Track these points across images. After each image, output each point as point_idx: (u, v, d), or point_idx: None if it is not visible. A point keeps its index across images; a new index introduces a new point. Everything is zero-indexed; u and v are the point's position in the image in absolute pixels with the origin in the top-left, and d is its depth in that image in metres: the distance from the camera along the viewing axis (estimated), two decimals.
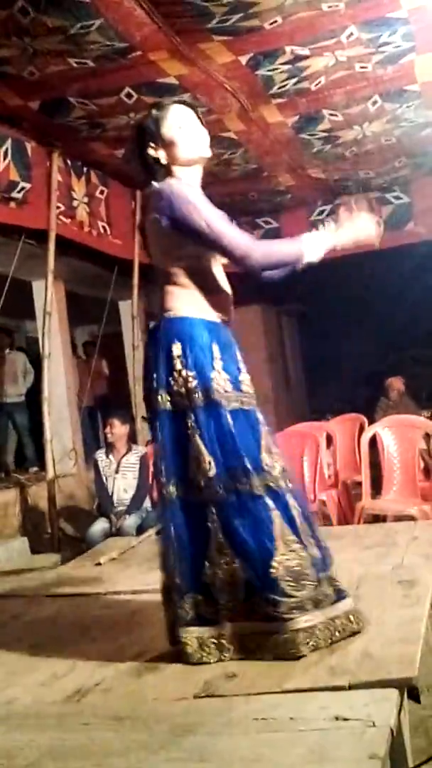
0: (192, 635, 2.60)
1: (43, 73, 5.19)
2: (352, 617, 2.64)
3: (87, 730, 2.22)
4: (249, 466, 2.57)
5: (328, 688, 2.27)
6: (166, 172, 2.72)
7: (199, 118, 2.78)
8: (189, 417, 2.59)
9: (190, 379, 2.59)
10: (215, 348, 2.65)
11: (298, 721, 2.09)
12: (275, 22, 4.85)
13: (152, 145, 2.71)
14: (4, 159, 5.89)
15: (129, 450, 6.14)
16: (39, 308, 7.80)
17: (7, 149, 5.90)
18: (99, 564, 4.44)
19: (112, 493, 6.02)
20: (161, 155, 2.71)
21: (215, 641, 2.60)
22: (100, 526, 5.86)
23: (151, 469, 5.58)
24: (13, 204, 6.09)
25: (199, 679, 2.47)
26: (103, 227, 7.44)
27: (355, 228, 2.84)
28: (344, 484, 6.67)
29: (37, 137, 6.26)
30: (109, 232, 7.51)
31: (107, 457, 6.13)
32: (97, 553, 4.80)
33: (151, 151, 2.71)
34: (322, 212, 9.05)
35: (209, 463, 2.57)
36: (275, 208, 9.12)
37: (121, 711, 2.33)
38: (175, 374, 2.60)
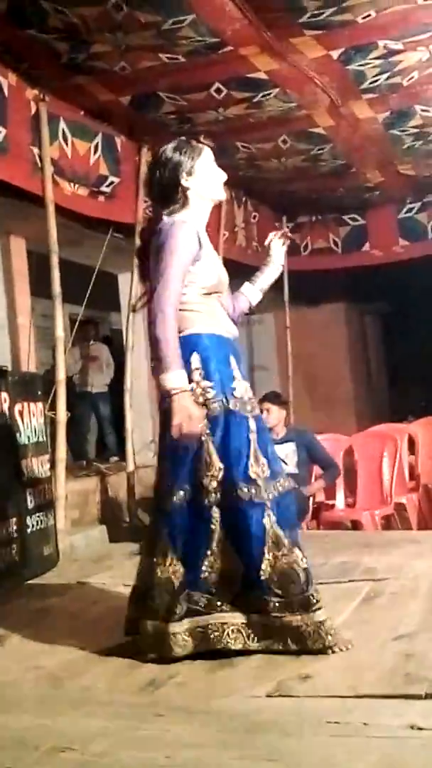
0: (184, 628, 2.71)
1: (134, 69, 5.24)
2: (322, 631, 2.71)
3: (160, 721, 2.24)
4: (250, 473, 2.76)
5: (403, 696, 2.23)
6: (184, 202, 2.90)
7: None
8: (205, 426, 2.74)
9: (209, 389, 2.78)
10: (232, 360, 2.88)
11: (372, 727, 2.06)
12: (368, 15, 4.77)
13: (186, 175, 2.89)
14: (95, 153, 5.98)
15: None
16: (124, 301, 7.90)
17: (97, 144, 5.99)
18: None
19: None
20: (190, 186, 2.90)
21: (202, 630, 2.72)
22: None
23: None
24: (102, 198, 6.18)
25: (273, 678, 2.46)
26: None
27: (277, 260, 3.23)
28: (425, 488, 6.55)
29: (127, 132, 6.33)
30: None
31: None
32: None
33: (183, 181, 2.88)
34: (410, 209, 8.89)
35: (219, 469, 2.75)
36: (362, 205, 8.99)
37: (194, 705, 2.34)
38: (194, 385, 2.76)
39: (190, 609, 2.73)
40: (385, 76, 5.63)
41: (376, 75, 5.61)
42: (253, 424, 2.84)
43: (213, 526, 2.75)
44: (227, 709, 2.30)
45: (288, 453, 5.93)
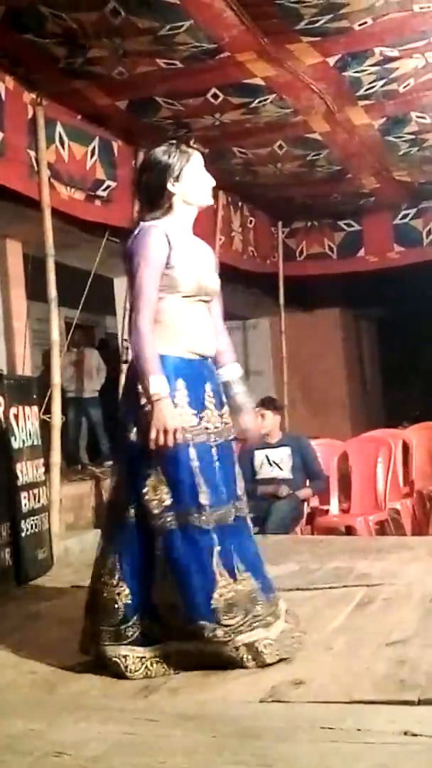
0: (136, 654, 2.67)
1: (131, 74, 5.25)
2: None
3: (154, 726, 2.24)
4: (201, 501, 2.67)
5: (397, 702, 2.24)
6: (169, 207, 2.87)
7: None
8: (152, 450, 2.66)
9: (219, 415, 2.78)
10: (180, 383, 2.74)
11: (366, 733, 2.06)
12: (365, 23, 4.79)
13: (173, 180, 2.84)
14: (92, 157, 5.99)
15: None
16: (119, 305, 7.91)
17: (94, 148, 6.00)
18: None
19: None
20: (176, 191, 2.85)
21: (158, 660, 2.67)
22: None
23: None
24: (98, 202, 6.19)
25: (267, 683, 2.46)
26: None
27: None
28: (420, 494, 6.56)
29: (124, 136, 6.34)
30: None
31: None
32: None
33: (170, 185, 2.84)
34: (406, 216, 8.92)
35: (167, 494, 2.68)
36: (357, 211, 9.02)
37: (187, 710, 2.34)
38: (140, 411, 2.70)
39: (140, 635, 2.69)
40: (381, 82, 5.65)
41: (373, 82, 5.64)
42: (213, 453, 2.76)
43: (157, 552, 2.70)
44: (221, 714, 2.30)
45: (283, 458, 5.94)
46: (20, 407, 4.54)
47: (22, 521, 4.41)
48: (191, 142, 2.97)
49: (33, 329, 7.25)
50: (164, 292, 2.79)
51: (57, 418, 5.42)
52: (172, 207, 2.87)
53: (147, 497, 2.69)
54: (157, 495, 2.68)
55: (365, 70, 5.45)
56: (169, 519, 2.67)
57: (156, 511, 2.68)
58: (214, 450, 2.77)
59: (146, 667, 2.66)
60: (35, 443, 4.70)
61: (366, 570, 3.95)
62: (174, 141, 2.97)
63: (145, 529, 2.71)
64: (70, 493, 6.31)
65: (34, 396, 4.88)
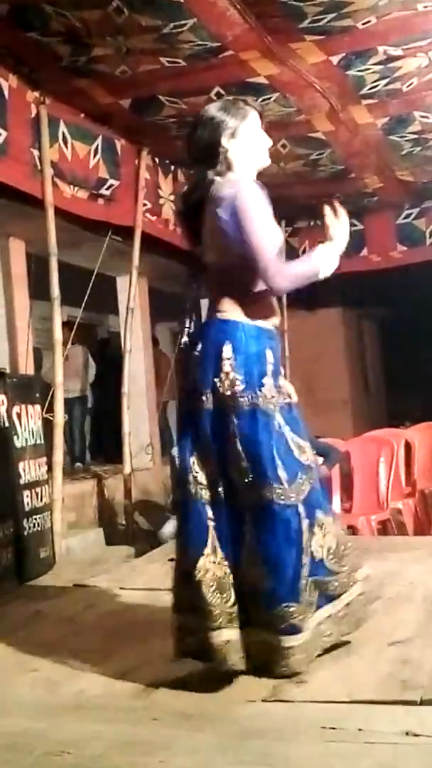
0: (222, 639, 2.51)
1: (134, 72, 5.25)
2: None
3: (155, 725, 2.24)
4: (281, 473, 2.52)
5: (399, 702, 2.24)
6: (227, 167, 2.69)
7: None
8: (231, 421, 2.54)
9: (237, 383, 2.56)
10: (268, 354, 2.63)
11: (367, 733, 2.06)
12: (369, 21, 4.79)
13: (228, 136, 2.67)
14: (95, 156, 5.99)
15: None
16: (122, 304, 7.91)
17: (97, 146, 6.00)
18: (172, 560, 4.47)
19: None
20: (232, 148, 2.68)
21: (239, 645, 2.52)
22: (171, 527, 5.89)
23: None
24: (101, 200, 6.19)
25: (268, 683, 2.46)
26: None
27: (342, 235, 2.75)
28: (422, 493, 6.55)
29: (127, 135, 6.34)
30: None
31: None
32: (170, 549, 4.83)
33: (224, 141, 2.66)
34: (409, 215, 8.90)
35: (246, 469, 2.53)
36: (360, 210, 8.98)
37: (189, 709, 2.34)
38: (222, 376, 2.56)
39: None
40: (384, 81, 5.64)
41: (376, 81, 5.62)
42: (279, 419, 2.59)
43: (244, 530, 2.54)
44: (222, 713, 2.30)
45: None
46: (23, 406, 4.55)
47: (25, 520, 4.42)
48: (248, 100, 2.84)
49: (36, 328, 7.25)
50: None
51: (59, 417, 5.42)
52: (231, 166, 2.69)
53: (230, 472, 2.54)
54: (240, 470, 2.53)
55: (369, 69, 5.44)
56: (252, 495, 2.52)
57: (240, 487, 2.54)
58: (278, 417, 2.60)
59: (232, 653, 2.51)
60: (37, 442, 4.71)
61: (368, 570, 3.94)
62: (230, 98, 2.83)
63: (231, 509, 2.56)
64: (72, 491, 6.33)
65: (37, 395, 4.88)
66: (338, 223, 2.73)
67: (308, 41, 4.98)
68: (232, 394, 2.55)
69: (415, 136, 6.75)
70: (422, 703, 2.22)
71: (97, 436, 9.40)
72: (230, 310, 2.63)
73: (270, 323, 2.69)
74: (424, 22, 4.87)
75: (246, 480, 2.53)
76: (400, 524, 6.05)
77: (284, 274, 2.60)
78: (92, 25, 4.60)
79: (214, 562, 2.54)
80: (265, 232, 2.57)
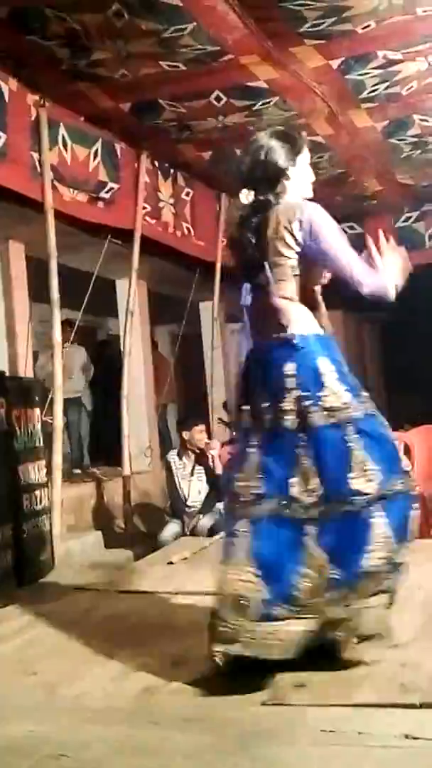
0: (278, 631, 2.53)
1: (134, 76, 5.26)
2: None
3: (155, 729, 2.24)
4: (351, 486, 2.57)
5: (398, 705, 2.23)
6: (282, 190, 2.78)
7: None
8: (347, 429, 2.60)
9: (344, 393, 2.63)
10: (329, 363, 2.68)
11: (367, 736, 2.06)
12: (368, 26, 4.80)
13: (290, 164, 2.80)
14: (94, 159, 5.99)
15: (203, 453, 6.14)
16: (122, 307, 7.91)
17: (97, 150, 6.00)
18: (171, 563, 4.48)
19: (187, 495, 6.04)
20: (291, 176, 2.80)
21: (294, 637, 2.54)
22: (171, 531, 5.90)
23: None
24: (101, 204, 6.20)
25: (268, 686, 2.46)
26: (187, 228, 7.50)
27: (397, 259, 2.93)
28: (422, 497, 6.53)
29: (127, 138, 6.35)
30: (192, 234, 7.56)
31: (180, 459, 6.14)
32: (169, 552, 4.83)
33: (285, 168, 2.78)
34: (408, 219, 8.91)
35: (317, 483, 2.57)
36: (360, 214, 9.00)
37: (189, 713, 2.34)
38: (327, 390, 2.62)
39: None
40: (384, 85, 5.65)
41: (375, 84, 5.64)
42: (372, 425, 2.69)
43: (305, 540, 2.58)
44: (222, 717, 2.29)
45: None
46: (22, 409, 4.54)
47: (24, 523, 4.41)
48: (303, 134, 2.98)
49: (36, 331, 7.25)
50: (309, 278, 2.76)
51: (58, 420, 5.42)
52: (286, 192, 2.79)
53: (296, 487, 2.58)
54: (308, 485, 2.57)
55: (368, 73, 5.46)
56: (321, 508, 2.57)
57: (308, 502, 2.57)
58: (371, 424, 2.71)
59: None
60: (37, 445, 4.71)
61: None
62: (285, 128, 3.00)
63: (291, 521, 2.59)
64: (71, 494, 6.32)
65: (37, 398, 4.88)
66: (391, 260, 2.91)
67: (308, 45, 4.99)
68: (299, 410, 2.61)
69: (415, 140, 6.76)
70: (422, 706, 2.22)
71: (97, 439, 9.39)
72: (292, 325, 2.69)
73: (327, 331, 2.84)
74: (424, 27, 4.89)
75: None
76: None
77: (372, 279, 2.76)
78: (92, 28, 4.61)
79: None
80: (346, 248, 2.73)
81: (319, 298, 2.85)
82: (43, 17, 4.48)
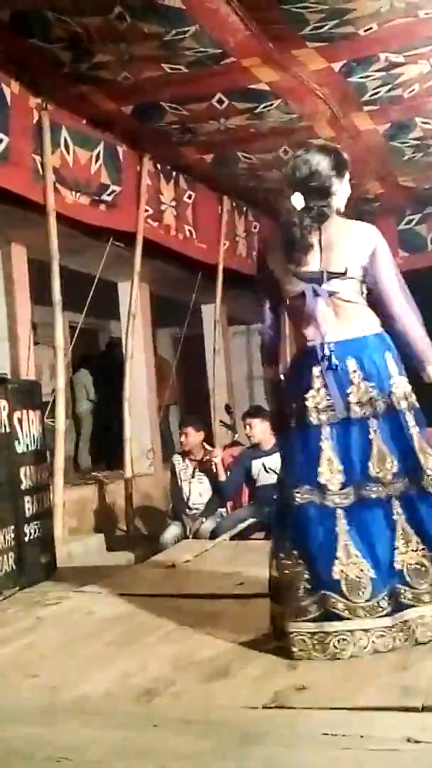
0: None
1: (137, 79, 5.26)
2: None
3: (156, 731, 2.23)
4: (422, 464, 2.80)
5: (400, 708, 2.23)
6: (330, 203, 2.93)
7: None
8: (408, 417, 2.84)
9: (406, 384, 2.89)
10: (394, 358, 2.90)
11: (368, 739, 2.05)
12: (370, 28, 4.80)
13: (341, 178, 2.96)
14: (96, 162, 6.00)
15: (205, 455, 6.14)
16: (124, 309, 7.92)
17: (99, 152, 6.01)
18: (172, 566, 4.47)
19: (188, 497, 6.05)
20: (339, 190, 2.96)
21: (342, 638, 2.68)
22: (172, 533, 5.90)
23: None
24: (103, 206, 6.20)
25: (270, 689, 2.45)
26: (189, 231, 7.50)
27: None
28: None
29: (129, 141, 6.36)
30: (194, 237, 7.57)
31: (183, 461, 6.15)
32: (171, 555, 4.83)
33: (337, 181, 2.94)
34: (410, 221, 8.92)
35: (392, 462, 2.79)
36: (362, 216, 8.96)
37: (190, 715, 2.33)
38: (395, 380, 2.86)
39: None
40: (386, 88, 5.66)
41: (377, 87, 5.64)
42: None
43: (395, 518, 2.79)
44: (223, 719, 2.29)
45: (278, 463, 5.93)
46: (24, 411, 4.54)
47: (26, 525, 4.40)
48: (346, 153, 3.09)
49: (37, 333, 7.26)
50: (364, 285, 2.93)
51: (61, 423, 5.42)
52: (332, 205, 2.94)
53: (372, 469, 2.79)
54: (385, 464, 2.79)
55: (370, 76, 5.46)
56: (401, 483, 2.79)
57: (387, 479, 2.78)
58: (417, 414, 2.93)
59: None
60: (39, 447, 4.70)
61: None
62: (334, 146, 3.16)
63: (370, 504, 2.79)
64: (73, 497, 6.32)
65: (39, 400, 4.87)
66: None
67: (310, 48, 5.00)
68: (369, 400, 2.84)
69: (417, 142, 6.77)
70: (423, 709, 2.21)
71: (98, 442, 9.40)
72: (354, 324, 2.89)
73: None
74: (426, 29, 4.89)
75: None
76: None
77: (410, 314, 2.93)
78: (94, 31, 4.61)
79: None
80: (399, 280, 2.94)
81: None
82: (45, 20, 4.49)
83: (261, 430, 5.89)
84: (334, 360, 2.83)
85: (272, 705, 2.35)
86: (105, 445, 9.10)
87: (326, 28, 4.73)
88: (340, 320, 2.88)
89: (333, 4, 4.48)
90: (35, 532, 4.49)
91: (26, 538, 4.38)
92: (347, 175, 3.00)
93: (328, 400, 2.83)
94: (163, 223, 7.08)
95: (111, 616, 3.53)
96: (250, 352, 11.84)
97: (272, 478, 5.92)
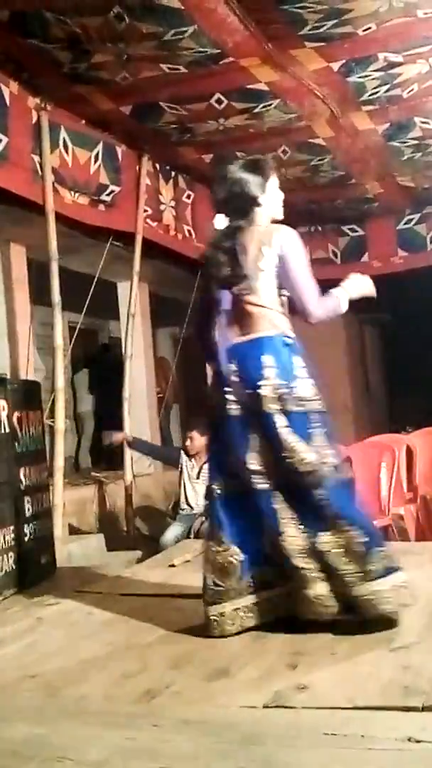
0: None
1: (135, 79, 5.27)
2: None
3: (156, 731, 2.23)
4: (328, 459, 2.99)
5: (401, 708, 2.22)
6: (254, 216, 3.07)
7: None
8: (311, 417, 2.98)
9: (311, 387, 3.02)
10: (299, 360, 3.06)
11: (369, 739, 2.05)
12: (369, 28, 4.81)
13: (260, 192, 3.09)
14: (95, 162, 6.00)
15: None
16: (123, 309, 7.92)
17: (98, 153, 6.01)
18: (173, 566, 4.47)
19: (189, 496, 6.04)
20: (262, 203, 3.09)
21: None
22: (172, 533, 5.90)
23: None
24: (102, 206, 6.21)
25: (270, 688, 2.45)
26: (188, 231, 7.51)
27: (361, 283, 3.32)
28: (423, 499, 6.54)
29: (128, 141, 6.36)
30: (193, 236, 7.57)
31: (190, 460, 6.13)
32: (171, 555, 4.83)
33: (257, 197, 3.07)
34: (409, 221, 8.92)
35: (304, 452, 2.93)
36: (361, 216, 9.02)
37: (190, 715, 2.33)
38: (299, 381, 3.00)
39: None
40: (385, 88, 5.66)
41: (376, 87, 5.65)
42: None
43: (320, 500, 2.95)
44: (224, 719, 2.29)
45: None
46: (24, 411, 4.54)
47: (26, 526, 4.40)
48: (270, 160, 3.31)
49: (37, 333, 7.25)
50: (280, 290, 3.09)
51: (60, 423, 5.42)
52: (255, 218, 3.07)
53: (284, 460, 2.94)
54: (296, 456, 2.93)
55: (369, 76, 5.47)
56: (320, 470, 2.94)
57: (302, 469, 2.93)
58: (323, 415, 3.09)
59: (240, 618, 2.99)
60: (39, 447, 4.70)
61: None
62: (254, 157, 3.32)
63: (288, 488, 2.96)
64: (73, 497, 6.32)
65: (38, 400, 4.87)
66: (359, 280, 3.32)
67: (308, 48, 5.00)
68: (278, 396, 2.97)
69: (416, 142, 6.77)
70: (424, 709, 2.20)
71: (98, 441, 9.40)
72: (267, 327, 3.05)
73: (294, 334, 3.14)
74: (424, 29, 4.90)
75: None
76: (401, 530, 6.04)
77: (323, 308, 3.12)
78: (93, 31, 4.62)
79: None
80: (309, 275, 3.07)
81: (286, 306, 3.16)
82: (43, 20, 4.50)
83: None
84: (225, 361, 3.06)
85: (272, 705, 2.35)
86: (105, 445, 9.10)
87: (325, 28, 4.74)
88: (243, 324, 3.06)
89: (331, 4, 4.49)
90: (35, 532, 4.49)
91: (26, 538, 4.38)
92: (272, 184, 3.13)
93: (240, 394, 3.02)
94: (162, 223, 7.08)
95: (111, 616, 3.53)
96: None
97: None
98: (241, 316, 3.08)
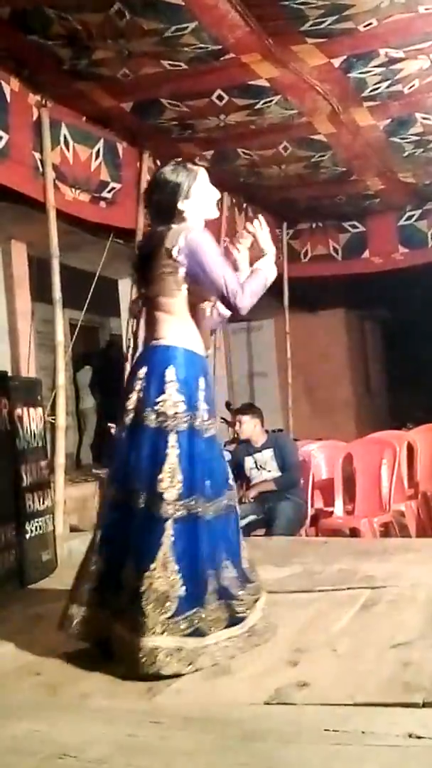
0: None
1: (136, 75, 5.26)
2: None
3: (158, 728, 2.24)
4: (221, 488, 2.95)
5: (401, 704, 2.23)
6: (180, 219, 3.02)
7: None
8: (170, 437, 2.84)
9: (179, 404, 2.86)
10: (201, 380, 2.96)
11: (370, 735, 2.06)
12: (370, 24, 4.79)
13: (183, 198, 3.02)
14: (96, 159, 5.99)
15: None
16: (124, 306, 7.92)
17: (99, 149, 6.00)
18: None
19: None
20: (186, 207, 3.02)
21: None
22: None
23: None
24: (103, 203, 6.19)
25: (271, 685, 2.46)
26: None
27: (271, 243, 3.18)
28: (424, 495, 6.55)
29: (128, 138, 6.35)
30: None
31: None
32: None
33: (180, 204, 3.01)
34: (410, 217, 8.90)
35: (180, 481, 2.81)
36: (362, 212, 9.00)
37: (191, 712, 2.34)
38: (165, 396, 2.87)
39: None
40: (386, 84, 5.65)
41: (377, 83, 5.63)
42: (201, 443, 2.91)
43: (163, 539, 2.80)
44: (225, 716, 2.29)
45: (267, 459, 5.96)
46: (25, 408, 4.54)
47: (27, 523, 4.41)
48: (196, 160, 3.13)
49: (38, 330, 7.26)
50: (194, 294, 2.98)
51: (61, 420, 5.42)
52: (184, 221, 3.03)
53: (160, 484, 2.80)
54: (173, 482, 2.81)
55: (370, 72, 5.45)
56: (180, 506, 2.80)
57: (167, 498, 2.79)
58: (218, 442, 3.04)
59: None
60: (40, 445, 4.70)
61: (370, 572, 3.94)
62: (180, 160, 3.19)
63: (151, 518, 2.81)
64: (74, 494, 6.32)
65: (39, 397, 4.87)
66: (266, 234, 3.17)
67: (309, 44, 4.99)
68: (174, 413, 2.86)
69: (417, 138, 6.76)
70: (425, 705, 2.21)
71: (100, 438, 9.42)
72: (173, 337, 2.96)
73: (202, 350, 3.04)
74: (426, 24, 4.88)
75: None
76: (402, 526, 6.05)
77: (246, 294, 2.97)
78: (93, 28, 4.61)
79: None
80: (222, 264, 2.96)
81: (207, 316, 3.11)
82: (44, 17, 4.49)
83: (250, 427, 5.94)
84: (136, 364, 3.05)
85: (274, 701, 2.36)
86: (106, 443, 9.12)
87: (326, 23, 4.72)
88: (148, 329, 3.05)
89: (332, 0, 4.47)
90: (36, 530, 4.49)
91: (27, 536, 4.38)
92: (198, 186, 3.06)
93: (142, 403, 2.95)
94: None
95: None
96: (250, 349, 11.86)
97: (263, 474, 5.94)
98: (147, 321, 3.08)
